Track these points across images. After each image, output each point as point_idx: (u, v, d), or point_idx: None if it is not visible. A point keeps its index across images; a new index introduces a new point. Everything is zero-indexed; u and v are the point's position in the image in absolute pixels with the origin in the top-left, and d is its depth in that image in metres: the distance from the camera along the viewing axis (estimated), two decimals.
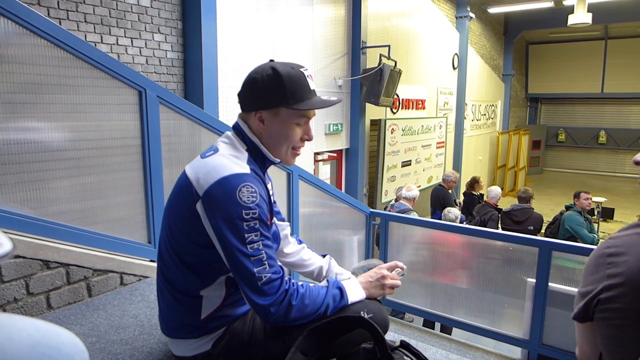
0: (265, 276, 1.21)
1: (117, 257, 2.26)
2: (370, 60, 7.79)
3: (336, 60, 7.46)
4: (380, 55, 7.46)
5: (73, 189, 2.16)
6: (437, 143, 10.90)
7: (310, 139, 1.40)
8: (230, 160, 1.27)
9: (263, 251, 1.22)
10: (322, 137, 7.26)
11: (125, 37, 4.45)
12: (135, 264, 2.33)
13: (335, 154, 7.55)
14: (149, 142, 2.36)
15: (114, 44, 4.36)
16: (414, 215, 5.08)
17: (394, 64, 7.54)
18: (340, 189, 7.16)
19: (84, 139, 2.18)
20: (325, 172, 7.47)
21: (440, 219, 5.71)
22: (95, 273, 2.16)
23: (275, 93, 1.30)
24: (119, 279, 2.27)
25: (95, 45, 4.19)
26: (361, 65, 7.66)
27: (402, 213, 5.22)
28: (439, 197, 7.41)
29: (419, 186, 9.37)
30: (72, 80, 2.08)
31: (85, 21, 4.11)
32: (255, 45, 5.83)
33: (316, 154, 7.17)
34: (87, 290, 2.14)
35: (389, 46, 7.60)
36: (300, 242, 1.77)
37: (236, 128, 1.39)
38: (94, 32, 4.19)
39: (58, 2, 3.90)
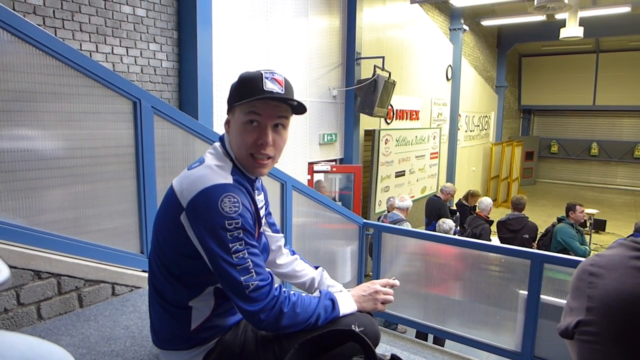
0: (252, 284, 1.22)
1: (109, 267, 2.25)
2: (365, 70, 7.84)
3: (331, 70, 7.51)
4: (375, 66, 7.51)
5: (65, 198, 2.16)
6: (431, 154, 10.95)
7: (264, 144, 1.30)
8: (213, 171, 1.27)
9: (249, 259, 1.22)
10: (316, 147, 7.28)
11: (120, 46, 4.46)
12: (127, 274, 2.31)
13: (340, 166, 7.52)
14: (142, 151, 2.36)
15: (109, 53, 4.37)
16: (406, 226, 5.09)
17: (388, 75, 7.60)
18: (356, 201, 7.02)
19: (78, 148, 2.18)
20: (327, 185, 7.44)
21: (435, 230, 5.73)
22: (87, 283, 2.15)
23: (231, 95, 1.34)
24: (110, 290, 2.25)
25: (91, 54, 4.20)
26: (356, 76, 7.71)
27: (395, 223, 5.23)
28: (435, 208, 7.44)
29: (413, 196, 9.40)
30: (66, 89, 2.08)
31: (81, 30, 4.12)
32: (250, 55, 5.86)
33: (311, 164, 7.18)
34: (79, 301, 2.12)
35: (383, 57, 7.67)
36: (293, 253, 1.77)
37: (221, 139, 1.41)
38: (90, 41, 4.20)
39: (54, 11, 3.91)
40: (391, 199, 6.11)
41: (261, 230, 1.48)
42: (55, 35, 3.88)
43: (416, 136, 10.01)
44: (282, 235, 1.74)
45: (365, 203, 8.72)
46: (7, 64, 1.87)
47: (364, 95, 7.46)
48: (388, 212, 5.90)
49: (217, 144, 1.41)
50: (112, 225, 2.34)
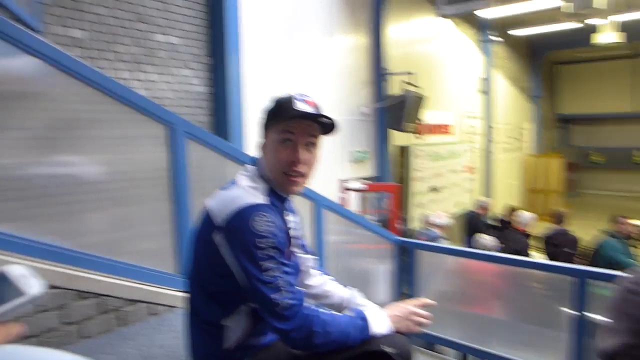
0: (283, 302, 1.23)
1: (146, 287, 2.30)
2: (395, 86, 7.84)
3: (360, 88, 7.54)
4: (404, 82, 7.50)
5: (105, 220, 2.24)
6: (466, 168, 10.75)
7: (297, 161, 1.35)
8: (246, 192, 1.32)
9: (280, 278, 1.24)
10: (347, 164, 7.28)
11: (155, 73, 4.64)
12: (164, 294, 2.36)
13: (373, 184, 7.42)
14: (176, 174, 2.43)
15: (145, 80, 4.54)
16: (444, 243, 4.99)
17: (417, 90, 7.56)
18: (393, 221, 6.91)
19: (115, 172, 2.28)
20: (355, 202, 7.38)
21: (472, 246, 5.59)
22: (126, 303, 2.20)
23: (265, 119, 1.41)
24: (148, 309, 2.30)
25: (128, 81, 4.38)
26: (385, 92, 7.71)
27: (432, 241, 5.13)
28: (472, 223, 7.28)
29: (448, 212, 9.23)
30: (103, 116, 2.19)
31: (119, 60, 4.31)
32: (278, 76, 5.97)
33: (342, 181, 7.17)
34: (118, 320, 2.18)
35: (412, 73, 7.65)
36: (324, 273, 1.77)
37: (254, 161, 1.45)
38: (125, 69, 4.38)
39: (93, 42, 4.11)
40: (427, 215, 6.00)
41: (292, 250, 1.49)
42: (95, 64, 4.08)
43: (449, 151, 9.87)
44: (313, 257, 1.74)
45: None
46: (50, 94, 1.98)
47: (393, 111, 7.44)
48: (424, 229, 5.81)
49: (250, 166, 1.45)
50: (148, 246, 2.41)
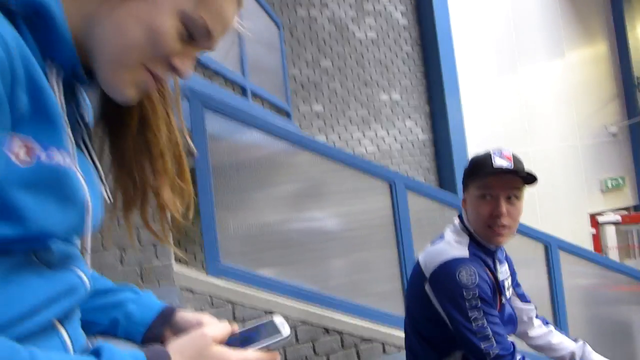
0: (493, 352, 1.28)
1: (380, 328, 2.59)
2: None
3: (602, 104, 6.60)
4: None
5: (343, 265, 2.68)
6: None
7: (499, 215, 1.38)
8: (451, 246, 1.44)
9: (488, 327, 1.30)
10: (596, 194, 6.36)
11: (382, 128, 5.16)
12: (395, 335, 2.61)
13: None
14: (400, 223, 2.70)
15: (374, 137, 5.11)
16: None
17: None
18: None
19: (348, 223, 2.71)
20: (611, 238, 6.36)
21: None
22: (363, 341, 2.53)
23: (465, 175, 1.50)
24: (381, 348, 2.58)
25: (360, 139, 5.02)
26: (638, 105, 6.53)
27: None
28: None
29: None
30: (336, 179, 2.67)
31: (351, 123, 5.00)
32: (502, 110, 5.79)
33: (593, 215, 6.28)
34: (357, 356, 2.51)
35: None
36: (546, 323, 1.71)
37: (459, 215, 1.56)
38: (358, 130, 5.03)
39: (331, 113, 4.91)
40: None
41: (504, 300, 1.52)
42: (332, 130, 4.85)
43: None
44: (533, 307, 1.71)
45: None
46: (297, 166, 2.55)
47: None
48: None
49: (456, 221, 1.58)
50: (380, 288, 2.72)
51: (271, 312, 2.30)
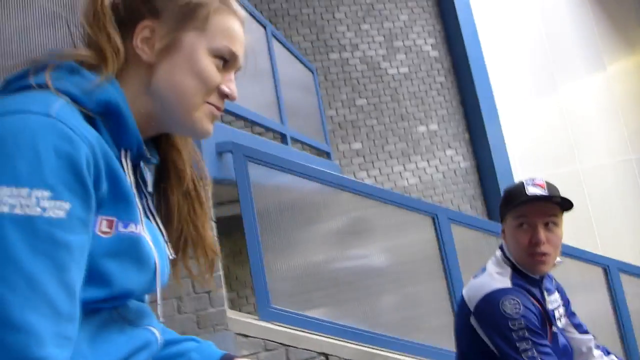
0: None
1: None
2: None
3: None
4: None
5: (391, 302, 2.68)
6: None
7: (538, 242, 1.39)
8: (492, 278, 1.45)
9: (539, 358, 1.29)
10: None
11: (422, 160, 5.18)
12: None
13: None
14: (446, 256, 2.70)
15: (415, 169, 5.13)
16: None
17: None
18: None
19: (394, 259, 2.73)
20: None
21: None
22: None
23: (500, 207, 1.52)
24: None
25: (401, 172, 5.05)
26: None
27: None
28: None
29: None
30: (378, 217, 2.71)
31: (390, 157, 5.06)
32: (545, 130, 5.67)
33: None
34: None
35: None
36: (608, 353, 1.65)
37: (500, 247, 1.57)
38: (398, 163, 5.07)
39: (369, 148, 5.00)
40: None
41: (555, 330, 1.50)
42: (372, 166, 4.92)
43: None
44: (591, 336, 1.67)
45: None
46: (339, 206, 2.63)
47: None
48: None
49: (498, 252, 1.60)
50: (431, 324, 2.69)
51: (324, 354, 2.33)
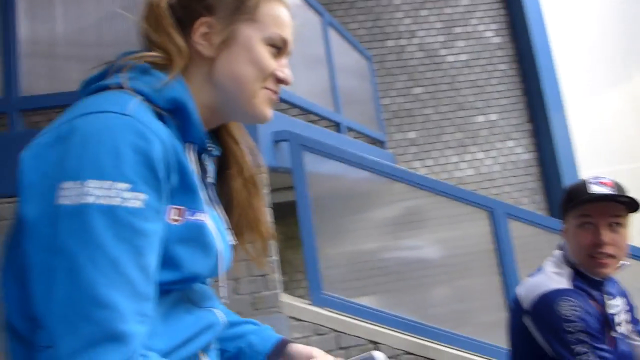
0: None
1: None
2: None
3: None
4: None
5: (444, 294, 2.66)
6: None
7: (601, 243, 1.33)
8: (550, 278, 1.41)
9: None
10: None
11: (481, 151, 5.03)
12: None
13: None
14: (502, 251, 2.63)
15: (472, 160, 4.99)
16: None
17: None
18: None
19: (447, 251, 2.70)
20: None
21: None
22: None
23: (561, 205, 1.47)
24: None
25: (457, 164, 4.93)
26: None
27: None
28: None
29: None
30: (434, 208, 2.68)
31: (447, 147, 4.94)
32: (618, 123, 5.32)
33: None
34: None
35: None
36: None
37: (560, 246, 1.52)
38: (455, 154, 4.95)
39: (425, 139, 4.91)
40: None
41: (614, 335, 1.44)
42: (427, 156, 4.84)
43: None
44: None
45: None
46: (394, 196, 2.62)
47: None
48: None
49: (557, 252, 1.54)
50: (483, 319, 2.64)
51: (374, 342, 2.36)
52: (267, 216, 0.83)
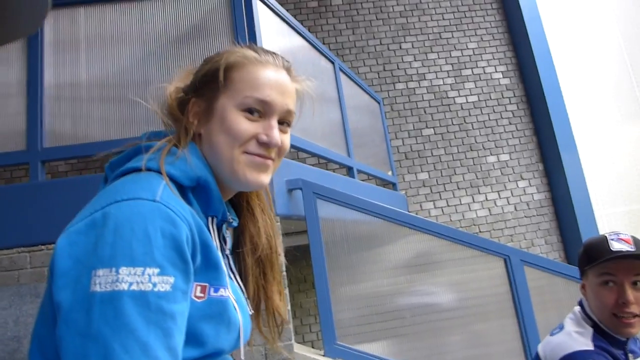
0: None
1: None
2: None
3: None
4: None
5: (462, 342, 2.60)
6: None
7: (626, 303, 1.31)
8: (572, 338, 1.37)
9: None
10: None
11: (492, 191, 5.01)
12: None
13: None
14: (519, 298, 2.59)
15: (484, 200, 4.97)
16: None
17: None
18: None
19: (465, 298, 2.66)
20: None
21: None
22: None
23: (580, 261, 1.45)
24: None
25: (470, 204, 4.91)
26: None
27: None
28: None
29: None
30: (447, 255, 2.66)
31: (458, 188, 4.94)
32: (631, 162, 5.28)
33: None
34: None
35: None
36: None
37: (580, 302, 1.49)
38: (466, 195, 4.94)
39: (437, 180, 4.92)
40: None
41: None
42: (439, 197, 4.83)
43: None
44: None
45: None
46: (409, 243, 2.62)
47: None
48: None
49: (577, 308, 1.51)
50: None
51: None
52: (281, 298, 0.84)
